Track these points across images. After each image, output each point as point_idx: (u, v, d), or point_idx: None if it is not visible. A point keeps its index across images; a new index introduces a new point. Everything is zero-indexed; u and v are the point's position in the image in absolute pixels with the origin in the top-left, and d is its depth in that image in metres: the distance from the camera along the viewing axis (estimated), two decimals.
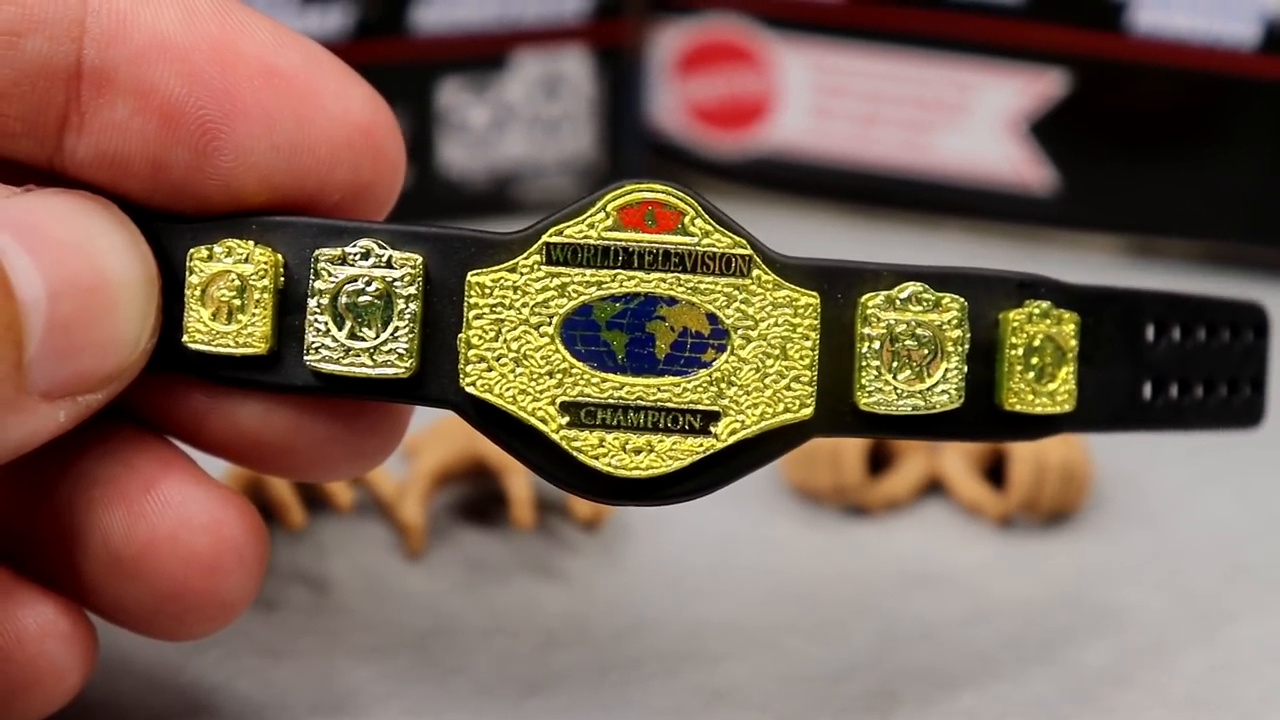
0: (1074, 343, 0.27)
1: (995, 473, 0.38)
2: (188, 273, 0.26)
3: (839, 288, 0.26)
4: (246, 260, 0.25)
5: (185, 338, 0.26)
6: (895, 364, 0.26)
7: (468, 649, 0.32)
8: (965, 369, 0.26)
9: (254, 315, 0.26)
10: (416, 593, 0.34)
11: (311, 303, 0.26)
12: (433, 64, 0.49)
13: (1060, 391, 0.27)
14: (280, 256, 0.26)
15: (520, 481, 0.36)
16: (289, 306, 0.26)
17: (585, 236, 0.26)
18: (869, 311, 0.26)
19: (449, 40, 0.49)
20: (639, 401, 0.26)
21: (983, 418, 0.27)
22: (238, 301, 0.25)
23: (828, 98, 0.52)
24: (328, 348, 0.25)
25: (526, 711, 0.31)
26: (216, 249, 0.26)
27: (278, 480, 0.36)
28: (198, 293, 0.26)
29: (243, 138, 0.25)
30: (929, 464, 0.38)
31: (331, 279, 0.25)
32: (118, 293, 0.24)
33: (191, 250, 0.26)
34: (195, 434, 0.27)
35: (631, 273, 0.26)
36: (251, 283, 0.25)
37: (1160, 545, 0.36)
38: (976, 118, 0.50)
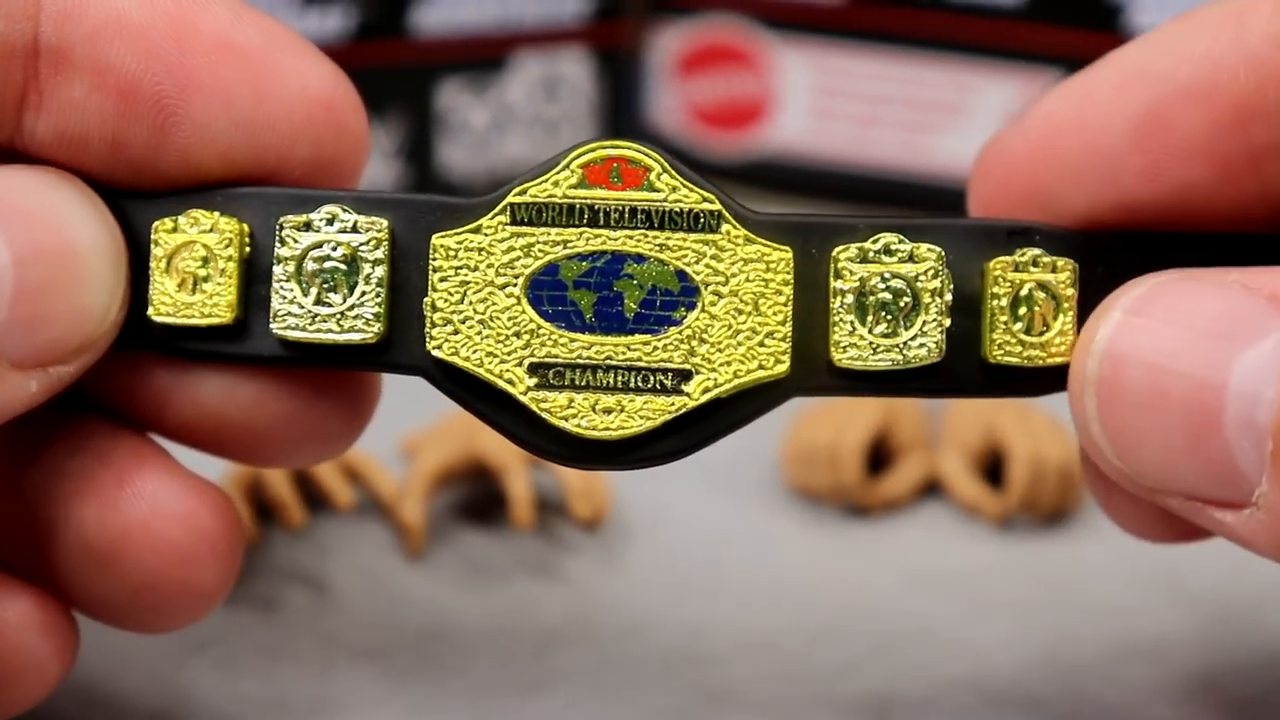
0: (1071, 290, 0.26)
1: (994, 473, 0.38)
2: (152, 244, 0.26)
3: (813, 242, 0.26)
4: (211, 230, 0.25)
5: (150, 310, 0.25)
6: (870, 318, 0.25)
7: (468, 649, 0.32)
8: (946, 322, 0.25)
9: (219, 285, 0.25)
10: (416, 593, 0.34)
11: (277, 269, 0.25)
12: (433, 65, 0.49)
13: (1055, 341, 0.26)
14: (246, 226, 0.26)
15: (520, 481, 0.36)
16: (255, 276, 0.26)
17: (550, 195, 0.25)
18: (841, 265, 0.25)
19: (449, 41, 0.49)
20: (608, 361, 0.25)
21: (968, 372, 0.26)
22: (203, 271, 0.25)
23: (827, 99, 0.52)
24: (294, 314, 0.25)
25: (526, 711, 0.31)
26: (181, 220, 0.26)
27: (277, 479, 0.36)
28: (163, 264, 0.25)
29: (200, 114, 0.25)
30: (928, 464, 0.38)
31: (297, 245, 0.25)
32: (85, 261, 0.24)
33: (156, 223, 0.26)
34: (159, 417, 0.27)
35: (597, 230, 0.25)
36: (216, 252, 0.25)
37: (1159, 546, 0.36)
38: (975, 119, 0.51)
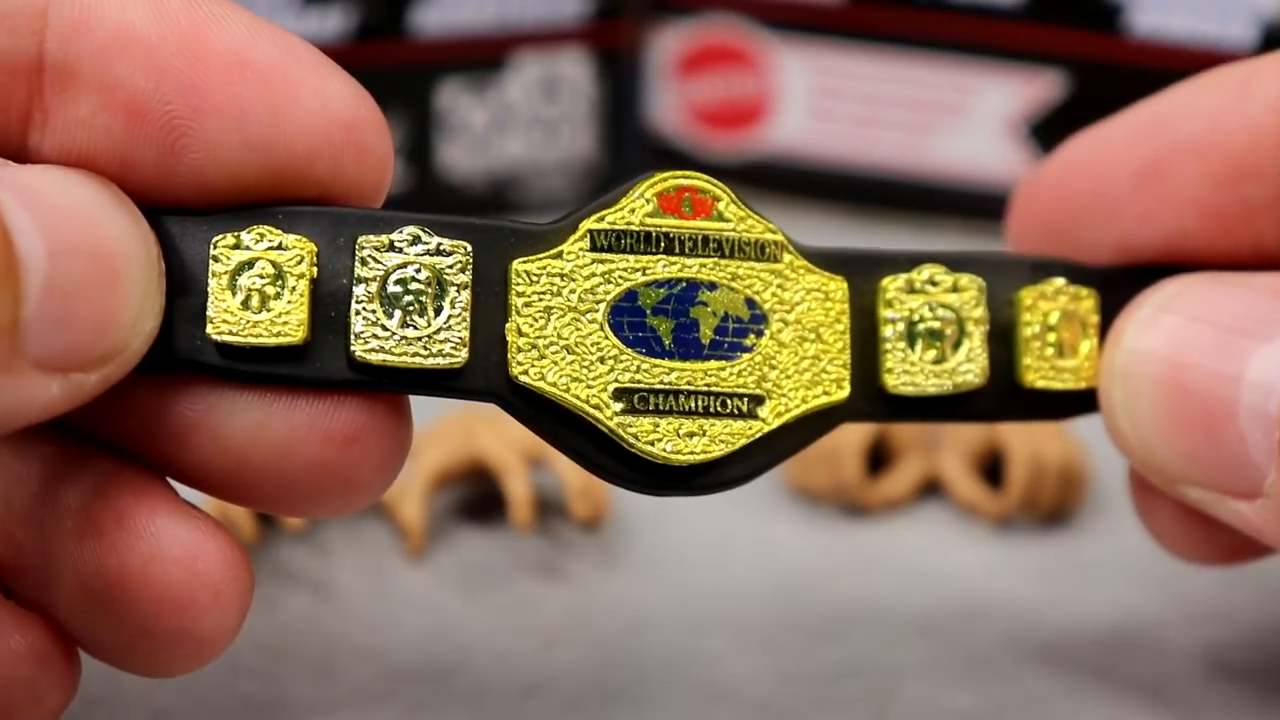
0: (1095, 318, 0.27)
1: (994, 473, 0.38)
2: (212, 260, 0.24)
3: (860, 274, 0.27)
4: (280, 246, 0.24)
5: (210, 328, 0.24)
6: (920, 345, 0.26)
7: (468, 649, 0.32)
8: (988, 349, 0.27)
9: (290, 303, 0.24)
10: (416, 593, 0.34)
11: (359, 290, 0.24)
12: (432, 66, 0.49)
13: (1084, 367, 0.27)
14: (314, 245, 0.25)
15: (520, 482, 0.36)
16: (322, 297, 0.25)
17: (628, 223, 0.26)
18: (890, 295, 0.26)
19: (449, 42, 0.49)
20: (689, 386, 0.25)
21: (1008, 396, 0.27)
22: (272, 289, 0.24)
23: (827, 99, 0.52)
24: (378, 337, 0.24)
25: (526, 711, 0.31)
26: (245, 236, 0.24)
27: None
28: (224, 280, 0.24)
29: (213, 134, 0.24)
30: (928, 464, 0.38)
31: (379, 266, 0.25)
32: (118, 265, 0.23)
33: (215, 239, 0.24)
34: (177, 455, 0.25)
35: (674, 258, 0.26)
36: (287, 269, 0.24)
37: (1159, 546, 0.36)
38: (975, 119, 0.51)
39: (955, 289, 0.27)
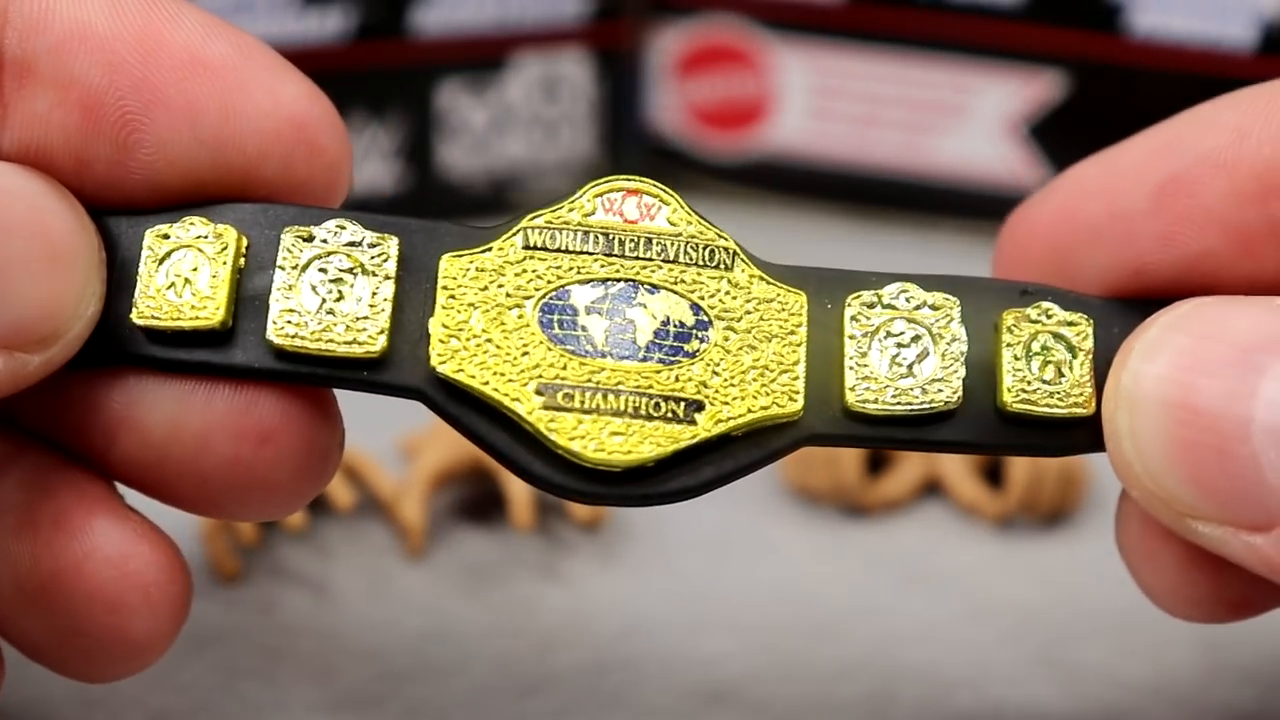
0: (1087, 343, 0.25)
1: (994, 473, 0.38)
2: (143, 249, 0.25)
3: (825, 291, 0.26)
4: (207, 236, 0.25)
5: (134, 314, 0.25)
6: (886, 361, 0.25)
7: (468, 649, 0.32)
8: (963, 371, 0.25)
9: (211, 287, 0.25)
10: (416, 593, 0.34)
11: (278, 276, 0.25)
12: (432, 66, 0.49)
13: (1073, 392, 0.25)
14: (245, 238, 0.25)
15: (520, 482, 0.36)
16: (249, 288, 0.25)
17: (565, 221, 0.25)
18: (855, 311, 0.25)
19: (449, 42, 0.49)
20: (619, 386, 0.25)
21: (986, 421, 0.25)
22: (195, 271, 0.25)
23: (826, 99, 0.52)
24: (293, 322, 0.24)
25: (526, 711, 0.31)
26: (175, 227, 0.25)
27: None
28: (152, 267, 0.25)
29: (164, 130, 0.25)
30: (927, 464, 0.38)
31: (300, 254, 0.25)
32: (60, 246, 0.23)
33: (149, 230, 0.25)
34: (106, 451, 0.25)
35: (611, 258, 0.25)
36: (211, 255, 0.25)
37: None
38: (975, 120, 0.51)
39: (929, 305, 0.25)
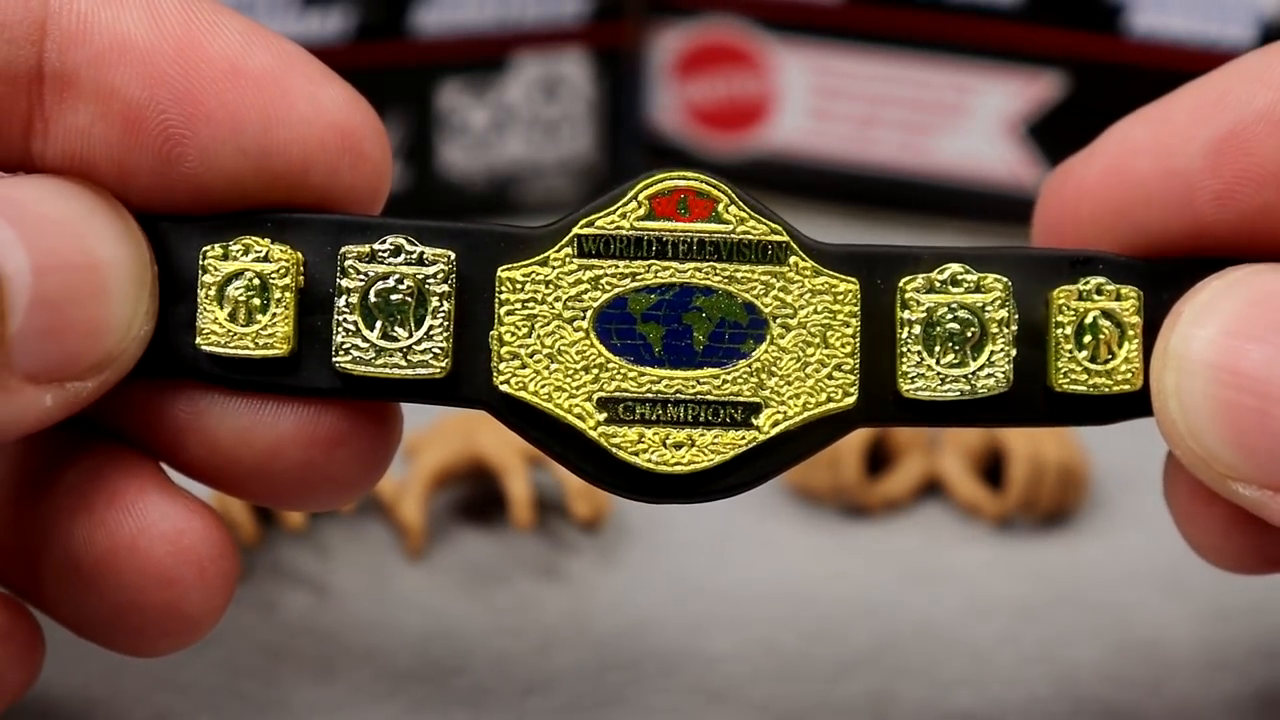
0: (1136, 318, 0.26)
1: (994, 473, 0.38)
2: (201, 271, 0.25)
3: (878, 273, 0.26)
4: (266, 258, 0.25)
5: (199, 339, 0.25)
6: (938, 349, 0.25)
7: (468, 649, 0.32)
8: (1013, 351, 0.25)
9: (275, 315, 0.25)
10: (416, 593, 0.34)
11: (340, 301, 0.25)
12: (433, 66, 0.49)
13: (1121, 369, 0.26)
14: (300, 254, 0.25)
15: (520, 482, 0.36)
16: (310, 306, 0.25)
17: (617, 227, 0.25)
18: (908, 295, 0.25)
19: (449, 42, 0.49)
20: (678, 395, 0.25)
21: (1036, 401, 0.26)
22: (257, 301, 0.25)
23: (826, 99, 0.52)
24: (359, 348, 0.25)
25: (526, 711, 0.31)
26: (233, 247, 0.25)
27: None
28: (213, 292, 0.25)
29: (207, 141, 0.25)
30: (928, 464, 0.38)
31: (360, 277, 0.25)
32: (107, 273, 0.24)
33: (205, 249, 0.25)
34: (172, 452, 0.26)
35: (666, 263, 0.25)
36: (272, 281, 0.25)
37: (1158, 545, 0.36)
38: (975, 120, 0.51)
39: (979, 289, 0.25)
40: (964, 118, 0.51)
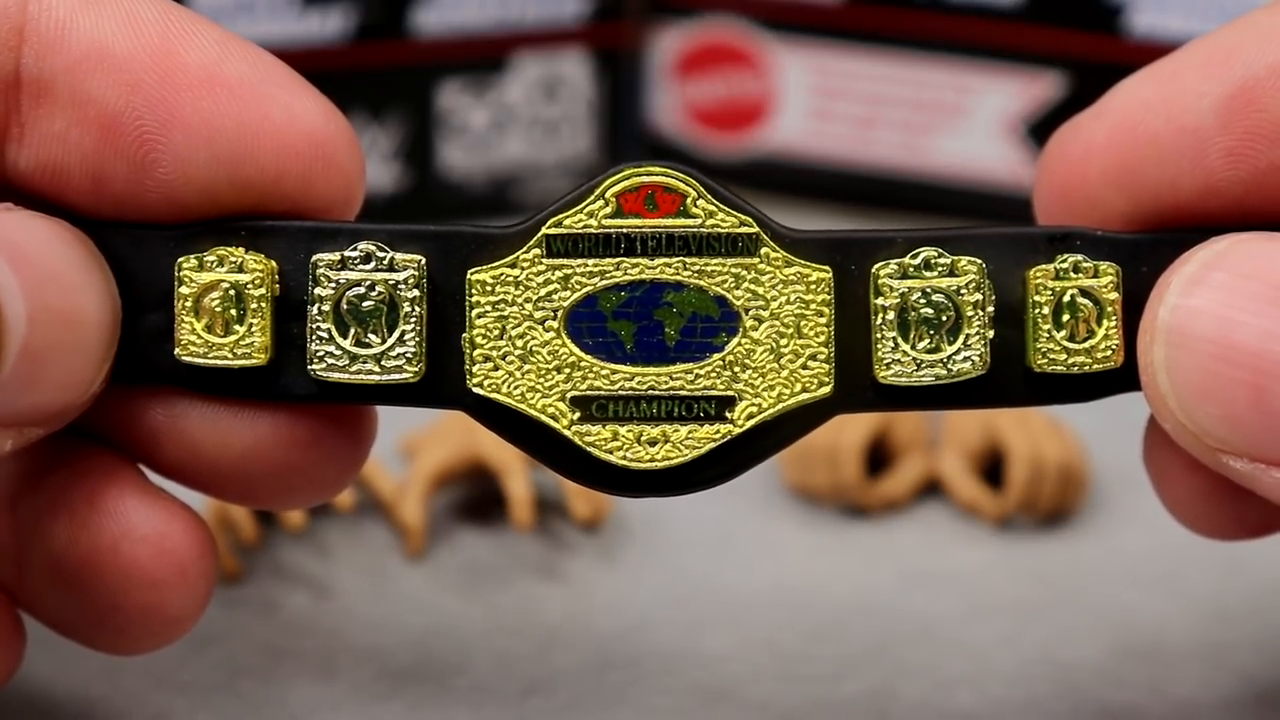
0: (1115, 295, 0.25)
1: (994, 473, 0.38)
2: (178, 283, 0.25)
3: (852, 259, 0.25)
4: (241, 268, 0.25)
5: (179, 350, 0.25)
6: (912, 334, 0.25)
7: (468, 649, 0.32)
8: (990, 334, 0.25)
9: (252, 325, 0.25)
10: (416, 593, 0.34)
11: (312, 310, 0.25)
12: (433, 66, 0.49)
13: (1100, 347, 0.25)
14: (274, 263, 0.25)
15: (520, 482, 0.36)
16: (286, 313, 0.25)
17: (585, 226, 0.25)
18: (881, 282, 0.25)
19: (449, 42, 0.49)
20: (651, 391, 0.25)
21: (1015, 383, 0.26)
22: (234, 312, 0.25)
23: (826, 100, 0.52)
24: (332, 355, 0.25)
25: (526, 711, 0.31)
26: (208, 258, 0.25)
27: None
28: (189, 304, 0.25)
29: (181, 149, 0.25)
30: (927, 464, 0.38)
31: (332, 285, 0.25)
32: (88, 330, 0.24)
33: (180, 260, 0.25)
34: (151, 455, 0.26)
35: (635, 260, 0.25)
36: (247, 291, 0.25)
37: (1158, 545, 0.36)
38: (975, 120, 0.51)
39: (953, 272, 0.25)
40: (964, 118, 0.51)
